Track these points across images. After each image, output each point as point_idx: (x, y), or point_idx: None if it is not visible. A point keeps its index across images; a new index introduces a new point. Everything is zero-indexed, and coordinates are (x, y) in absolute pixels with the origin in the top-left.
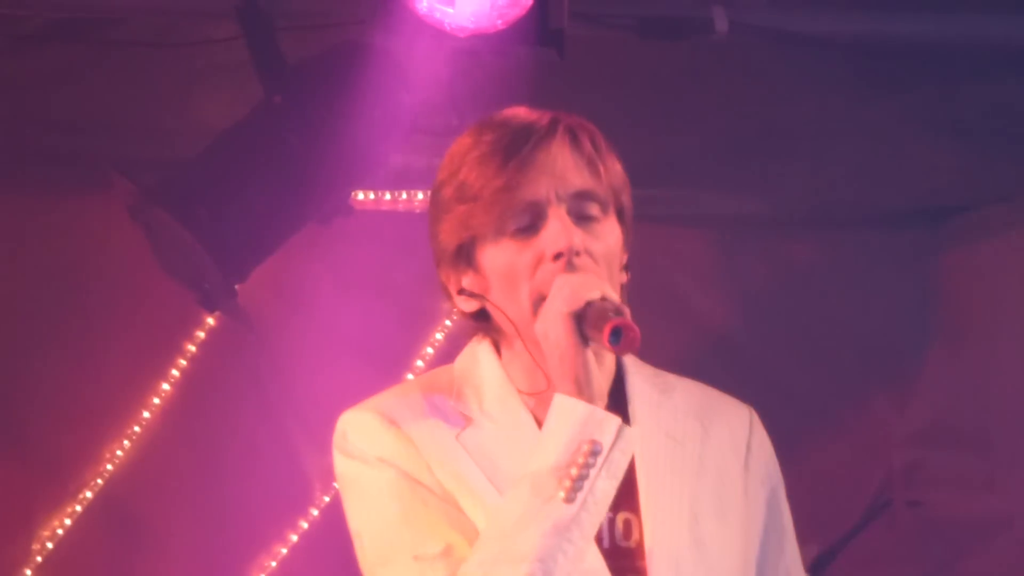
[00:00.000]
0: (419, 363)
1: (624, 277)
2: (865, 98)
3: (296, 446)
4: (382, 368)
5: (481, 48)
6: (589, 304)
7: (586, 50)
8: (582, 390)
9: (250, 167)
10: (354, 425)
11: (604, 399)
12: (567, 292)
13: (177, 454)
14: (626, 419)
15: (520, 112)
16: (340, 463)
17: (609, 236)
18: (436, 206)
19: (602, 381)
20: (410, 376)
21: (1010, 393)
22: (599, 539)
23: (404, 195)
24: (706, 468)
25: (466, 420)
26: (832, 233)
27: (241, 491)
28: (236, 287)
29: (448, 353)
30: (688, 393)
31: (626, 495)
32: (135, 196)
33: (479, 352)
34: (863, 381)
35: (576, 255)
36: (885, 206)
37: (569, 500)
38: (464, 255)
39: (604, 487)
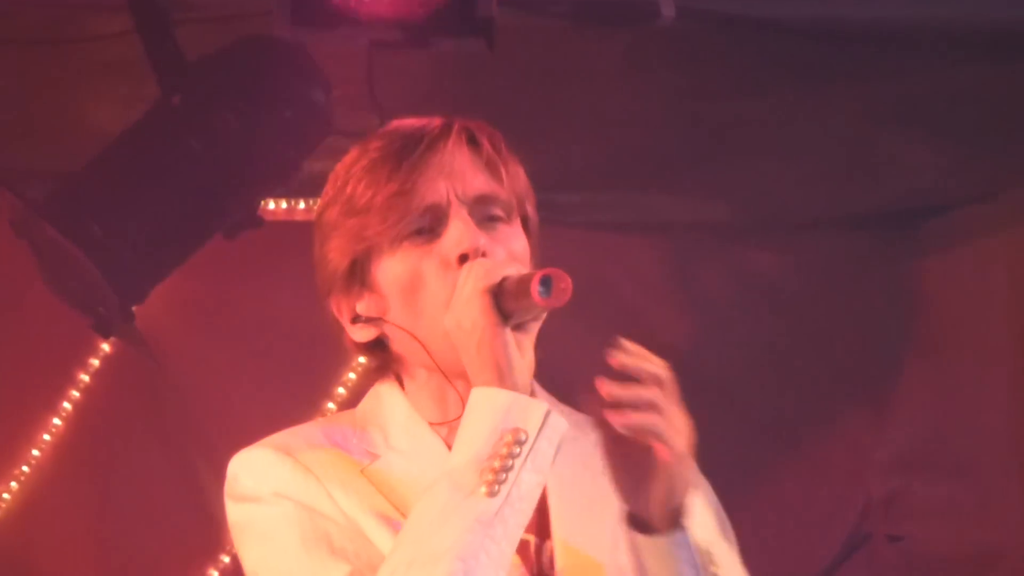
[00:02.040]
0: (341, 390)
1: None
2: (829, 89)
3: (204, 485)
4: (300, 395)
5: (402, 40)
6: (506, 278)
7: (518, 40)
8: (503, 377)
9: (147, 176)
10: (244, 465)
11: (528, 388)
12: (480, 271)
13: (70, 496)
14: None
15: (409, 120)
16: (232, 511)
17: (516, 241)
18: (322, 228)
19: (525, 370)
20: (331, 406)
21: (997, 412)
22: (524, 564)
23: None
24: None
25: (371, 456)
26: (797, 238)
27: (143, 537)
28: (134, 309)
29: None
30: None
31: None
32: (19, 210)
33: (381, 392)
34: (835, 401)
35: (483, 256)
36: (855, 207)
37: (491, 494)
38: (358, 275)
39: (530, 481)
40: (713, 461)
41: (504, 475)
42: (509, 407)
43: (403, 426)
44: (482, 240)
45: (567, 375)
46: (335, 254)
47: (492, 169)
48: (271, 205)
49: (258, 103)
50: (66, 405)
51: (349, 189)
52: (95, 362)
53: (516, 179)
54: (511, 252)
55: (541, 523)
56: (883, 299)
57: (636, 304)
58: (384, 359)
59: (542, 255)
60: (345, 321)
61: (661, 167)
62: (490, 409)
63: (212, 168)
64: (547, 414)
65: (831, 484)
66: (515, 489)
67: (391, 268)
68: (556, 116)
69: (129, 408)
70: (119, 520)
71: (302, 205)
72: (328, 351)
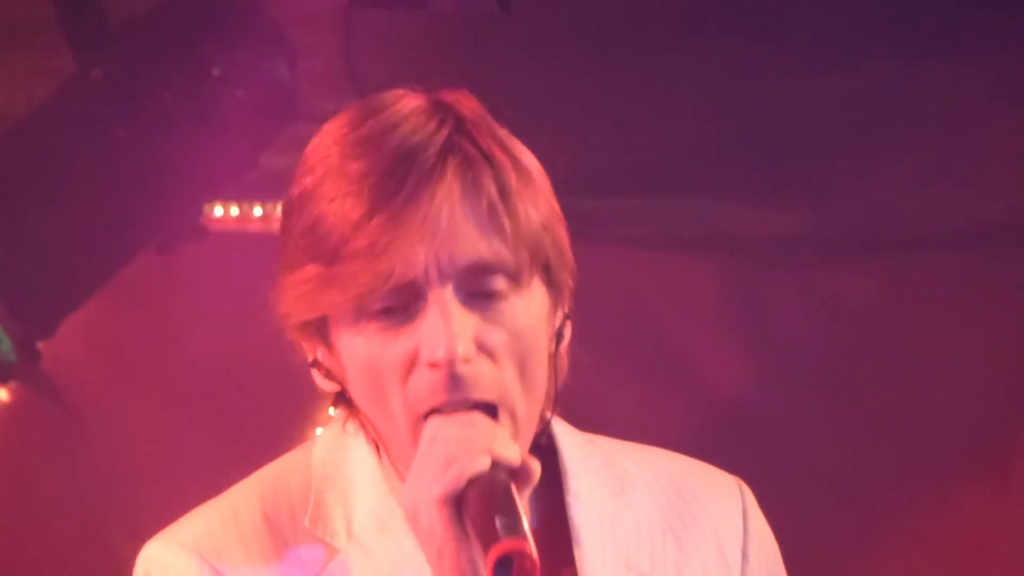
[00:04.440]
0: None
1: (561, 339)
2: (937, 65)
3: (121, 560)
4: (255, 452)
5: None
6: (472, 482)
7: (542, 4)
8: None
9: (58, 173)
10: (150, 567)
11: None
12: (439, 461)
13: None
14: (569, 552)
15: (408, 107)
16: None
17: (520, 316)
18: (284, 265)
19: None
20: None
21: None
22: None
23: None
24: None
25: (327, 552)
26: (887, 257)
27: None
28: (39, 346)
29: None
30: (654, 491)
31: None
32: None
33: (350, 445)
34: (941, 467)
35: (465, 362)
36: (963, 219)
37: None
38: (317, 333)
39: None
40: (783, 541)
41: None
42: None
43: (372, 509)
44: (464, 338)
45: (605, 416)
46: (290, 306)
47: (493, 224)
48: (218, 211)
49: (201, 78)
50: None
51: (315, 206)
52: None
53: (527, 224)
54: (513, 334)
55: None
56: (1005, 332)
57: (683, 336)
58: (353, 411)
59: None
60: (306, 355)
61: (716, 167)
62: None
63: (142, 162)
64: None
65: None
66: None
67: (351, 345)
68: (585, 101)
69: (32, 468)
70: None
71: (258, 211)
72: (291, 397)
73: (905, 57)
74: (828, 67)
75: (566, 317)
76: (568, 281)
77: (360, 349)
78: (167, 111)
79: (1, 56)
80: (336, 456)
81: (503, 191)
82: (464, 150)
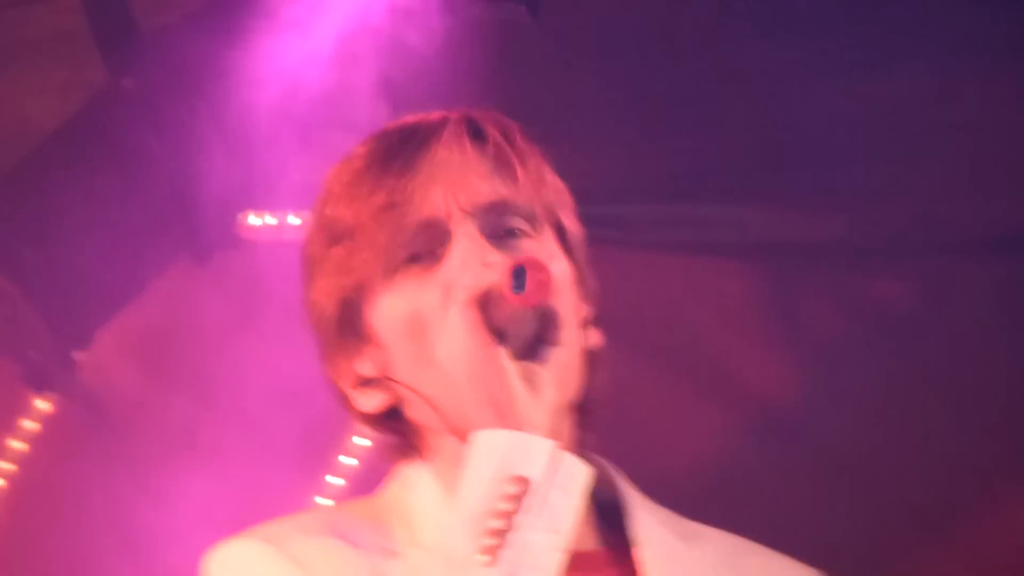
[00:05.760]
0: (344, 458)
1: (591, 337)
2: (987, 63)
3: (165, 570)
4: (292, 466)
5: (422, 6)
6: (494, 284)
7: (571, 8)
8: (503, 412)
9: (92, 184)
10: (221, 563)
11: (547, 429)
12: (467, 278)
13: None
14: (630, 570)
15: (411, 117)
16: None
17: (549, 261)
18: (306, 266)
19: (541, 406)
20: (334, 480)
21: None
22: None
23: None
24: None
25: (387, 553)
26: (933, 263)
27: None
28: (77, 356)
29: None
30: (726, 548)
31: None
32: None
33: (408, 476)
34: (994, 476)
35: None
36: (1008, 224)
37: (492, 562)
38: (350, 323)
39: (541, 543)
40: (824, 547)
41: (506, 537)
42: (508, 450)
43: (434, 518)
44: (495, 259)
45: (636, 424)
46: (322, 296)
47: (504, 168)
48: (253, 220)
49: (234, 87)
50: None
51: (329, 210)
52: (30, 424)
53: (539, 180)
54: None
55: None
56: None
57: (722, 344)
58: (403, 432)
59: (602, 282)
60: (347, 388)
61: (755, 171)
62: (486, 455)
63: (176, 171)
64: (553, 453)
65: None
66: (523, 554)
67: (388, 308)
68: (619, 106)
69: (73, 482)
70: None
71: (293, 220)
72: (329, 409)
73: (943, 62)
74: (866, 72)
75: (593, 316)
76: (584, 270)
77: (396, 306)
78: (199, 119)
79: (34, 68)
80: (398, 492)
81: (510, 143)
82: (467, 114)
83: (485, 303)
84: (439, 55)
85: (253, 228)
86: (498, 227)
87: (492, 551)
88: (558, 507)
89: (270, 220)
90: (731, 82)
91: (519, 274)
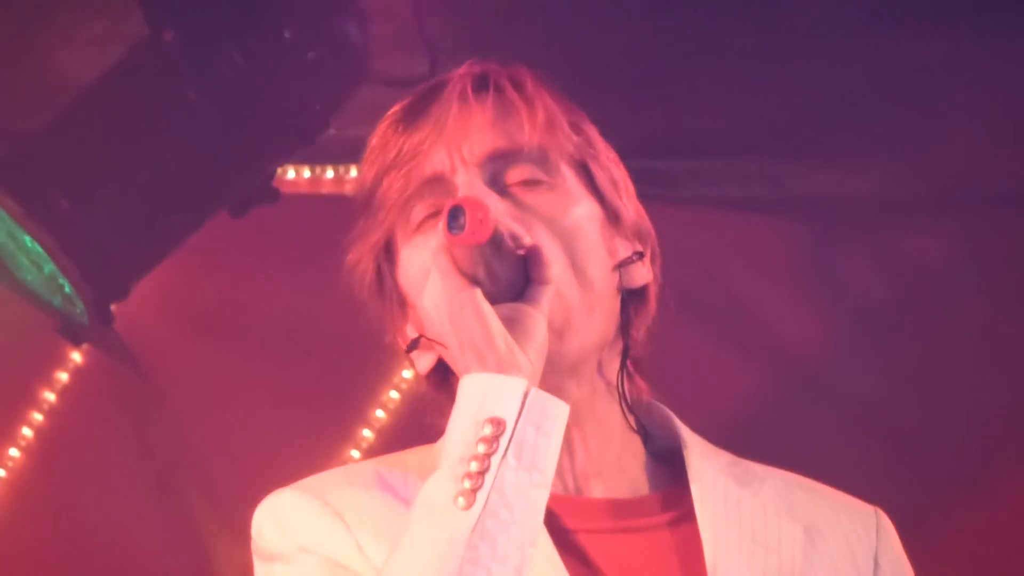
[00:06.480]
0: (380, 413)
1: (628, 276)
2: (1003, 28)
3: (199, 528)
4: (326, 418)
5: None
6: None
7: None
8: (482, 355)
9: (130, 136)
10: (268, 514)
11: (534, 373)
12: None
13: (34, 541)
14: (687, 514)
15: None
16: (257, 570)
17: (565, 210)
18: (352, 228)
19: (529, 349)
20: (367, 433)
21: None
22: None
23: (353, 171)
24: None
25: None
26: (971, 219)
27: None
28: (113, 309)
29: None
30: (782, 488)
31: None
32: None
33: None
34: None
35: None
36: None
37: (468, 505)
38: (388, 286)
39: (515, 482)
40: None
41: (481, 479)
42: (484, 392)
43: None
44: (493, 202)
45: (675, 379)
46: (359, 260)
47: (509, 116)
48: (290, 174)
49: (273, 41)
50: (25, 432)
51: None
52: (63, 376)
53: (551, 124)
54: (549, 218)
55: None
56: None
57: (759, 299)
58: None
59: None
60: (405, 353)
61: (791, 128)
62: (466, 399)
63: (214, 125)
64: (525, 393)
65: None
66: (496, 495)
67: (405, 265)
68: (659, 61)
69: (105, 434)
70: (93, 572)
71: (330, 174)
72: (362, 361)
73: (981, 21)
74: (904, 31)
75: (638, 256)
76: (622, 214)
77: (412, 261)
78: (238, 74)
79: (73, 21)
80: None
81: (520, 89)
82: (482, 69)
83: (452, 247)
84: (479, 9)
85: (290, 182)
86: (503, 179)
87: (468, 494)
88: (534, 445)
89: (306, 173)
90: (769, 37)
91: (455, 214)
